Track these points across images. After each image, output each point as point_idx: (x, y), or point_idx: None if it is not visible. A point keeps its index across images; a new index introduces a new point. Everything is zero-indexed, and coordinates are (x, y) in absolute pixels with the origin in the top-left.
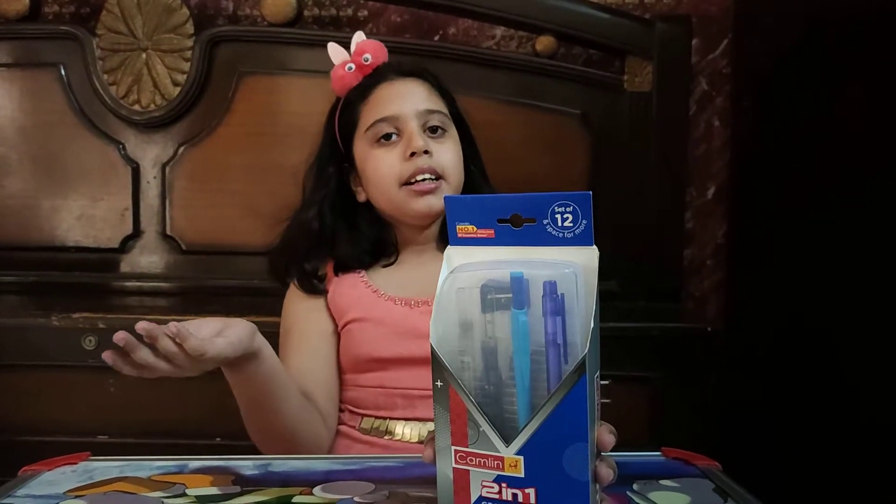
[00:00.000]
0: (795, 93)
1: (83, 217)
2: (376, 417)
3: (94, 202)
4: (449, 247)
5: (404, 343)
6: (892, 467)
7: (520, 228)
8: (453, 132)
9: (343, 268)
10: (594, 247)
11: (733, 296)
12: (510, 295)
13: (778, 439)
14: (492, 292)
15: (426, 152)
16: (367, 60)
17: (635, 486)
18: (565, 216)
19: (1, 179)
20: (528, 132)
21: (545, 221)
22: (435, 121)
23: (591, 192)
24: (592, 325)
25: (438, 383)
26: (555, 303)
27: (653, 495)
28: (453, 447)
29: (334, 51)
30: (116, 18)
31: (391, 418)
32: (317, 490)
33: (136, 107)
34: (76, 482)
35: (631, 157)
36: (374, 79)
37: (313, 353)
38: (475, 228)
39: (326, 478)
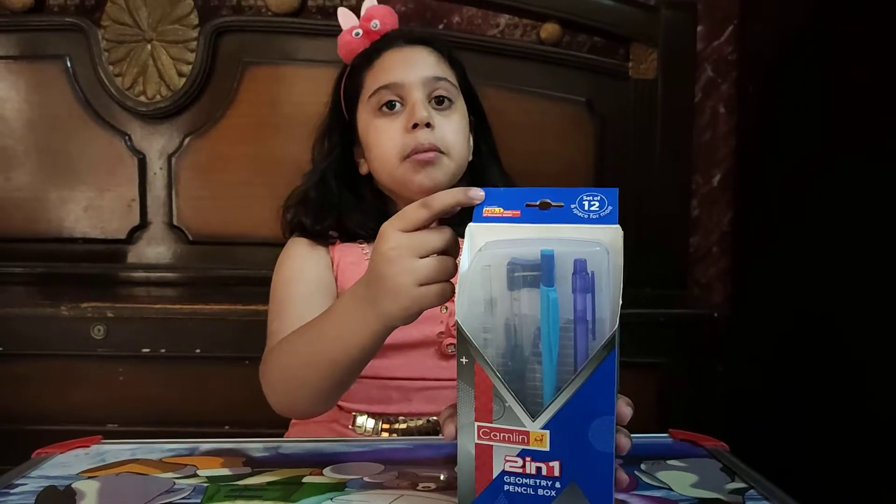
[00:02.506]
0: (801, 79)
1: (90, 208)
2: (370, 414)
3: (100, 193)
4: (471, 224)
5: (402, 328)
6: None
7: (546, 210)
8: (460, 105)
9: (347, 235)
10: (618, 226)
11: (739, 282)
12: (536, 273)
13: (784, 424)
14: (518, 269)
15: (428, 125)
16: (375, 27)
17: (643, 466)
18: (592, 203)
19: (8, 172)
20: (533, 120)
21: (572, 206)
22: (441, 90)
23: (618, 189)
24: (620, 301)
25: (463, 360)
26: (585, 280)
27: (660, 475)
28: (477, 423)
29: (344, 16)
30: (121, 10)
31: (387, 414)
32: (327, 471)
33: (142, 98)
34: (88, 464)
35: (636, 145)
36: (381, 45)
37: (320, 306)
38: (502, 210)
39: (336, 459)
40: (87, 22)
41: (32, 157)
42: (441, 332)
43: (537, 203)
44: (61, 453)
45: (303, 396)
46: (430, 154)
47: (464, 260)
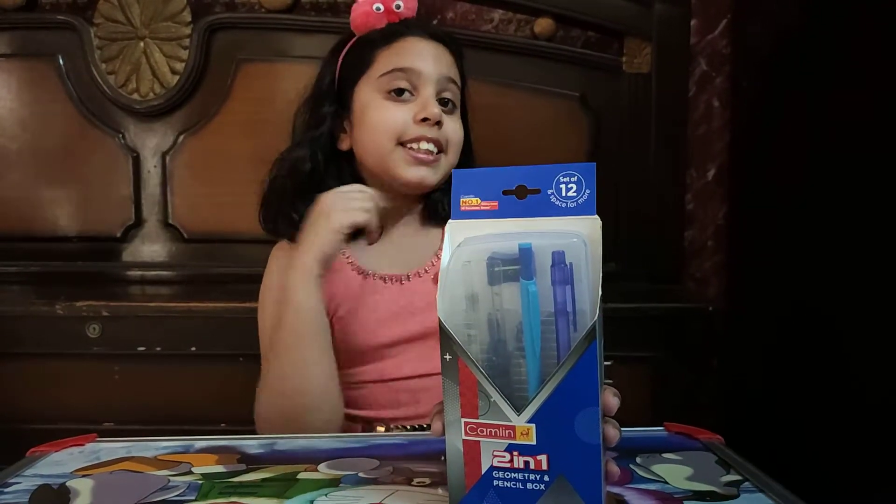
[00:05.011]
0: (795, 72)
1: (84, 207)
2: (377, 420)
3: (95, 192)
4: (450, 221)
5: (401, 324)
6: (892, 443)
7: (524, 199)
8: (458, 113)
9: None
10: (596, 216)
11: (734, 276)
12: (516, 267)
13: (779, 417)
14: (498, 264)
15: (438, 123)
16: (398, 8)
17: (638, 460)
18: (569, 186)
19: (1, 171)
20: (527, 115)
21: (549, 192)
22: (449, 93)
23: (595, 164)
24: (600, 292)
25: (447, 357)
26: (563, 272)
27: (655, 468)
28: (463, 419)
29: None
30: (114, 7)
31: (395, 419)
32: (321, 466)
33: (135, 95)
34: (83, 462)
35: (631, 139)
36: (401, 28)
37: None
38: (479, 201)
39: (331, 455)
40: (80, 20)
41: (26, 155)
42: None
43: (514, 189)
44: (56, 451)
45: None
46: (430, 157)
47: (444, 256)
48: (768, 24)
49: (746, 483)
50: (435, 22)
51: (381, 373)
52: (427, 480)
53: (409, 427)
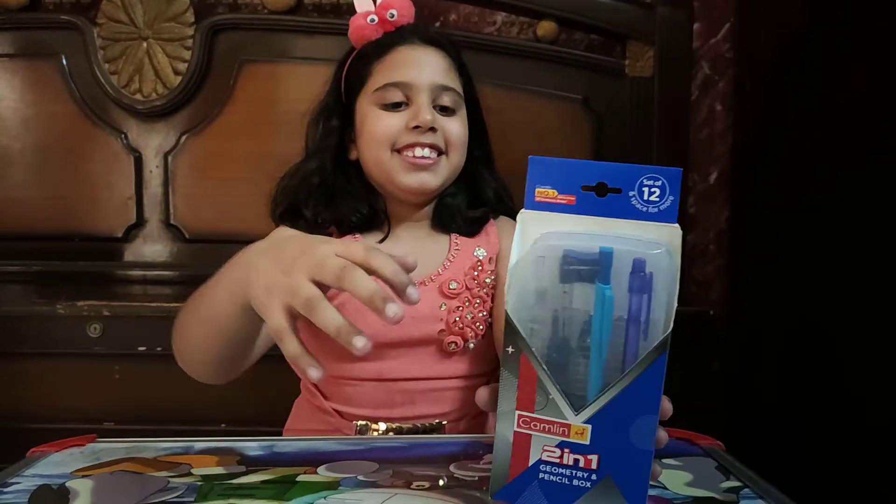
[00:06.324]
0: (798, 76)
1: (86, 206)
2: (371, 420)
3: (97, 192)
4: (523, 210)
5: (403, 327)
6: (893, 448)
7: (603, 198)
8: (463, 113)
9: (340, 225)
10: (677, 225)
11: (736, 280)
12: (591, 267)
13: (780, 422)
14: (572, 263)
15: (432, 129)
16: (392, 16)
17: None
18: (652, 190)
19: (4, 170)
20: (529, 118)
21: (631, 193)
22: (447, 100)
23: (681, 170)
24: (675, 304)
25: (510, 349)
26: (642, 281)
27: None
28: (518, 412)
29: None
30: (117, 7)
31: (389, 419)
32: (321, 469)
33: (138, 96)
34: (83, 462)
35: (633, 143)
36: (395, 38)
37: None
38: (556, 193)
39: (331, 457)
40: (83, 20)
41: (28, 155)
42: (441, 330)
43: (594, 185)
44: (56, 452)
45: (203, 366)
46: (427, 160)
47: (514, 248)
48: (771, 27)
49: (746, 489)
50: (437, 24)
51: (380, 372)
52: (426, 484)
53: (405, 428)
